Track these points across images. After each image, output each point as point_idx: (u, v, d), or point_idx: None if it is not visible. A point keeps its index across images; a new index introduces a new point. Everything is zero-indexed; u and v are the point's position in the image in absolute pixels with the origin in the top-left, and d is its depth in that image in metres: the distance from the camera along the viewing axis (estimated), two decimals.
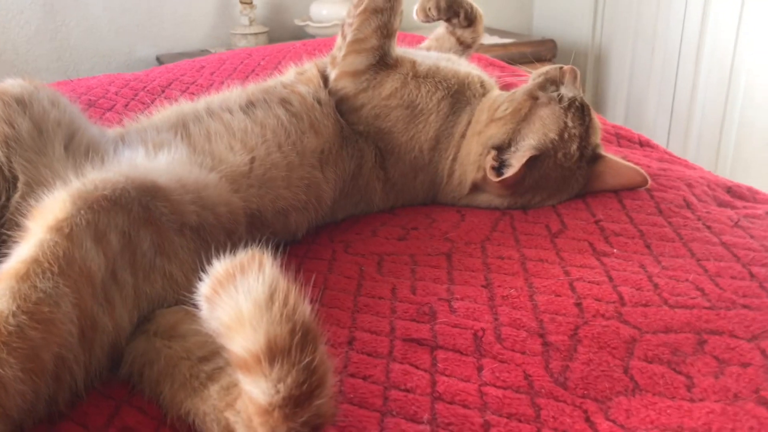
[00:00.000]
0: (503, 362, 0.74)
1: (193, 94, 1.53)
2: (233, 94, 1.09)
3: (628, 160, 1.18)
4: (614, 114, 2.95)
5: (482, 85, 1.17)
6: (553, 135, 1.05)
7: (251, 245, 0.64)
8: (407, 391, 0.70)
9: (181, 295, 0.75)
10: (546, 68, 1.14)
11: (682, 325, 0.77)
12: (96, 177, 0.74)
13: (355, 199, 1.12)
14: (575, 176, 1.09)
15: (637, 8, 2.76)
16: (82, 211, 0.69)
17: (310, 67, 1.18)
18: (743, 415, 0.64)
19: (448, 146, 1.12)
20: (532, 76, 1.14)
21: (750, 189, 1.18)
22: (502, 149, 1.07)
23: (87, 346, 0.67)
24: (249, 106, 1.05)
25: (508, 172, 1.05)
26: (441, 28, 1.38)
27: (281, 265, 0.61)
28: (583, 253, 0.95)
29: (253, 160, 0.97)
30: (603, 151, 1.12)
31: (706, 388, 0.68)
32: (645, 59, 2.76)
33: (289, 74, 1.18)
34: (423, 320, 0.82)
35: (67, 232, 0.67)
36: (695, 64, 2.52)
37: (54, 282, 0.64)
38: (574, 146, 1.06)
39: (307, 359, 0.56)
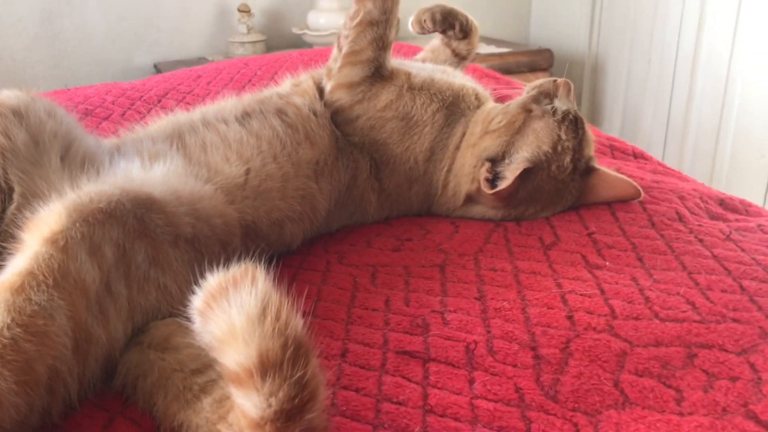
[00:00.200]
0: (495, 375, 0.74)
1: (189, 103, 1.54)
2: (229, 104, 1.10)
3: (622, 172, 1.18)
4: (610, 123, 2.96)
5: (477, 97, 1.18)
6: (546, 148, 1.06)
7: (246, 256, 0.64)
8: (399, 403, 0.71)
9: (175, 308, 0.75)
10: (540, 81, 1.15)
11: (672, 338, 0.78)
12: (91, 189, 0.75)
13: (350, 209, 1.13)
14: (569, 189, 1.10)
15: (634, 18, 2.78)
16: (78, 224, 0.69)
17: (306, 79, 1.19)
18: (731, 429, 0.64)
19: (442, 158, 1.13)
20: (526, 88, 1.15)
21: (742, 201, 1.19)
22: (496, 161, 1.08)
23: (81, 359, 0.67)
24: (245, 117, 1.05)
25: (502, 185, 1.06)
26: (436, 39, 1.39)
27: (275, 278, 0.62)
28: (575, 266, 0.95)
29: (248, 171, 0.97)
30: (596, 164, 1.13)
31: (695, 401, 0.69)
32: (641, 69, 2.77)
33: (285, 85, 1.19)
34: (416, 332, 0.82)
35: (62, 245, 0.67)
36: (691, 74, 2.53)
37: (49, 295, 0.64)
38: (568, 159, 1.07)
39: (298, 373, 0.57)
